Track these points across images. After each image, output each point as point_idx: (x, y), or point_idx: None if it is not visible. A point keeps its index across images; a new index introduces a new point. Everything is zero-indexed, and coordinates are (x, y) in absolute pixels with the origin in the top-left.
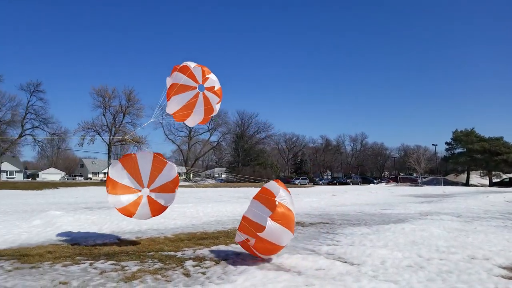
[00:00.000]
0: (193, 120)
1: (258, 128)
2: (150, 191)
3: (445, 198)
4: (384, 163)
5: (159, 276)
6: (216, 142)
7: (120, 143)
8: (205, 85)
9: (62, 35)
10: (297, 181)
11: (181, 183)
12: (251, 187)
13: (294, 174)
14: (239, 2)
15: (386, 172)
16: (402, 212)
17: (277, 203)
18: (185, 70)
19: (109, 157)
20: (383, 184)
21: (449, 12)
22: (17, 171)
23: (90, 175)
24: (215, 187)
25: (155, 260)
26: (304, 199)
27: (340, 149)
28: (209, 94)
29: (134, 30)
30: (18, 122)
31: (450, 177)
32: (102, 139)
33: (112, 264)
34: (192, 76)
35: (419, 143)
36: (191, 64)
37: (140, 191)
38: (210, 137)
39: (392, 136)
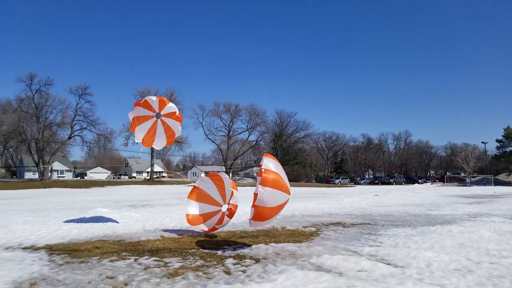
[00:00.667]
0: (159, 143)
1: (297, 127)
2: (228, 203)
3: (496, 198)
4: (430, 162)
5: (200, 273)
6: (255, 142)
7: None
8: (162, 113)
9: (109, 39)
10: (337, 181)
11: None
12: (290, 186)
13: (334, 173)
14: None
15: (432, 172)
16: (449, 213)
17: (263, 170)
18: (144, 103)
19: (152, 156)
20: (428, 184)
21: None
22: (66, 170)
23: (134, 174)
24: (253, 186)
25: (196, 257)
26: (345, 199)
27: (382, 148)
28: (167, 120)
29: (176, 31)
30: (68, 124)
31: (502, 177)
32: None
33: (155, 260)
34: (149, 107)
35: (467, 141)
36: (151, 98)
37: (220, 209)
38: (249, 136)
39: (438, 134)
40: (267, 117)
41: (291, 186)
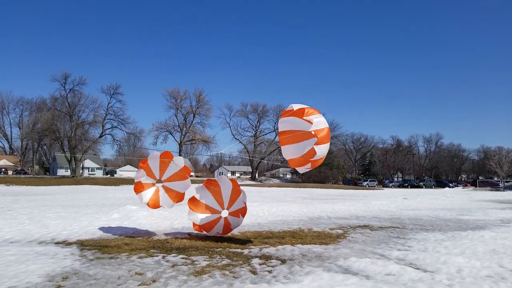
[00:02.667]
0: (166, 203)
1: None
2: (229, 214)
3: None
4: (461, 165)
5: (227, 272)
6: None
7: (190, 143)
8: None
9: (138, 39)
10: (365, 183)
11: (247, 182)
12: (317, 187)
13: (362, 175)
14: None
15: (463, 176)
16: (481, 218)
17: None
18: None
19: (180, 155)
20: (459, 188)
21: None
22: (97, 168)
23: None
24: (279, 187)
25: (223, 256)
26: (373, 202)
27: (412, 150)
28: (169, 184)
29: (206, 30)
30: (99, 123)
31: None
32: (174, 138)
33: (183, 258)
34: (150, 174)
35: (501, 144)
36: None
37: (220, 212)
38: (275, 137)
39: (471, 136)
40: None
41: (317, 188)
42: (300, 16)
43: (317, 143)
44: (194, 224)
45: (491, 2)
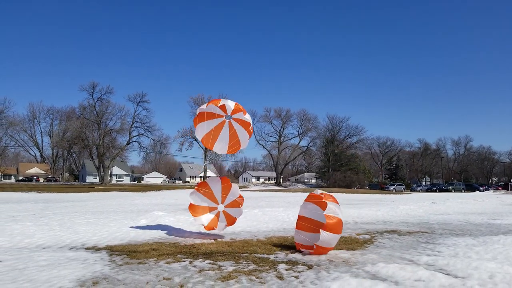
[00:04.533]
0: (219, 148)
1: (350, 132)
2: (225, 206)
3: None
4: (492, 168)
5: (253, 277)
6: (306, 147)
7: None
8: (233, 116)
9: (164, 47)
10: (391, 188)
11: (272, 187)
12: (342, 192)
13: (389, 180)
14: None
15: (494, 179)
16: None
17: (324, 216)
18: (218, 102)
19: (205, 161)
20: (490, 192)
21: None
22: (125, 175)
23: (188, 179)
24: (304, 192)
25: (249, 262)
26: (400, 207)
27: (440, 154)
28: (237, 126)
29: (229, 37)
30: (126, 130)
31: None
32: (199, 144)
33: (209, 263)
34: (223, 108)
35: None
36: (228, 102)
37: (216, 208)
38: (299, 142)
39: (502, 138)
40: (319, 122)
41: (343, 193)
42: (321, 21)
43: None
44: (190, 205)
45: None
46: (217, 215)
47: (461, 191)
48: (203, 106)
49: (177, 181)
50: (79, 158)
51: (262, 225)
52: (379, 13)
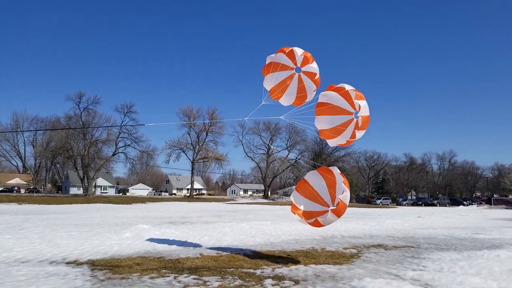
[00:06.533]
0: (287, 100)
1: (337, 146)
2: (336, 205)
3: None
4: (475, 183)
5: None
6: (294, 160)
7: (202, 160)
8: (303, 69)
9: (152, 59)
10: (378, 201)
11: (259, 200)
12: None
13: (375, 193)
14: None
15: (478, 193)
16: (497, 237)
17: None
18: (289, 53)
19: (192, 174)
20: (474, 206)
21: None
22: (109, 186)
23: (174, 191)
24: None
25: (235, 277)
26: (387, 221)
27: (425, 168)
28: (306, 79)
29: (217, 48)
30: (113, 141)
31: None
32: (187, 156)
33: (194, 279)
34: (292, 58)
35: None
36: (297, 50)
37: (327, 211)
38: (288, 154)
39: (485, 154)
40: (307, 136)
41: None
42: (309, 32)
43: (358, 128)
44: (292, 206)
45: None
46: (322, 212)
47: (446, 206)
48: (273, 55)
49: (163, 193)
50: (63, 169)
51: (249, 239)
52: (361, 19)
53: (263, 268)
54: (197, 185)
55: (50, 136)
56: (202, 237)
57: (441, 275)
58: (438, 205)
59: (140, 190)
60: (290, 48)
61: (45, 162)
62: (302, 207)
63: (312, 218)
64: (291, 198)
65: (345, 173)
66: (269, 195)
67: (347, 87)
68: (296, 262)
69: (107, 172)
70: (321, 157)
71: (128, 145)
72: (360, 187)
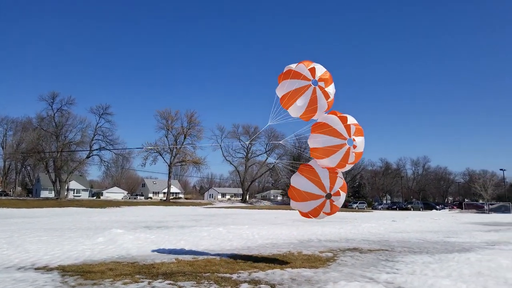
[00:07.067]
0: (295, 108)
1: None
2: (333, 194)
3: None
4: (448, 188)
5: None
6: (273, 164)
7: (180, 164)
8: (319, 84)
9: (131, 60)
10: (354, 205)
11: (237, 204)
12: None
13: (352, 198)
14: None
15: (450, 198)
16: (467, 240)
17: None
18: (309, 68)
19: (169, 177)
20: (446, 211)
21: None
22: (83, 190)
23: (150, 195)
24: (270, 209)
25: (211, 282)
26: (363, 225)
27: (400, 173)
28: (319, 93)
29: (196, 52)
30: (87, 143)
31: None
32: (164, 159)
33: (169, 284)
34: (312, 73)
35: (486, 168)
36: (319, 67)
37: (323, 196)
38: (267, 158)
39: (457, 160)
40: (286, 140)
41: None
42: (289, 35)
43: (349, 162)
44: (291, 187)
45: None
46: (323, 203)
47: (420, 210)
48: (293, 65)
49: (139, 197)
50: (34, 171)
51: (226, 243)
52: (333, 26)
53: (240, 273)
54: (174, 189)
55: (21, 137)
56: (178, 241)
57: (413, 278)
58: (412, 209)
59: (115, 193)
60: (313, 65)
61: (15, 164)
62: (300, 188)
63: (306, 201)
64: (291, 179)
65: None
66: (247, 199)
67: (350, 120)
68: (272, 266)
69: (80, 175)
70: (299, 161)
71: (103, 147)
72: None
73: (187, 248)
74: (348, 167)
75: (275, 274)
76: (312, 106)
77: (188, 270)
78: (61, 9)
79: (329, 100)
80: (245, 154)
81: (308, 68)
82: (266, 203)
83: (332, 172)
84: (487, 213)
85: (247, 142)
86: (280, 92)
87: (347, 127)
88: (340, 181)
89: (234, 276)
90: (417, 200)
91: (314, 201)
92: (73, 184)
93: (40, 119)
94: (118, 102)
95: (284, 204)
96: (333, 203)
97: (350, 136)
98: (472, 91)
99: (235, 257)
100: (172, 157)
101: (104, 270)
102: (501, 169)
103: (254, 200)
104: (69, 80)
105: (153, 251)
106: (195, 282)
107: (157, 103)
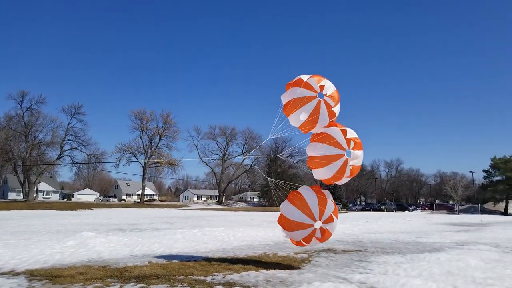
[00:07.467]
0: (296, 118)
1: (292, 152)
2: (323, 222)
3: (483, 227)
4: (420, 189)
5: None
6: (249, 166)
7: (155, 165)
8: (325, 98)
9: (105, 59)
10: None
11: (214, 206)
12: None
13: None
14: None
15: (422, 199)
16: (438, 241)
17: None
18: (320, 85)
19: (143, 179)
20: (418, 212)
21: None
22: (53, 191)
23: (124, 197)
24: (246, 210)
25: (185, 284)
26: (337, 225)
27: (374, 175)
28: (323, 107)
29: (171, 51)
30: (58, 144)
31: (488, 206)
32: (138, 160)
33: (142, 287)
34: (321, 87)
35: (456, 170)
36: (304, 77)
37: (313, 225)
38: (243, 160)
39: (429, 162)
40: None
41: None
42: (267, 36)
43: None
44: (281, 216)
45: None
46: (313, 232)
47: (393, 211)
48: (304, 76)
49: (111, 199)
50: (1, 172)
51: (201, 246)
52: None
53: (214, 275)
54: (148, 191)
55: None
56: (151, 244)
57: (385, 278)
58: (385, 211)
59: (86, 195)
60: (324, 82)
61: None
62: (290, 217)
63: (294, 230)
64: (281, 207)
65: (299, 179)
66: (224, 201)
67: (350, 133)
68: (247, 268)
69: (50, 177)
70: (276, 163)
71: (75, 148)
72: None
73: (160, 251)
74: (344, 180)
75: (250, 276)
76: (313, 116)
77: (162, 273)
78: (32, 8)
79: (332, 119)
80: (222, 156)
81: (319, 84)
82: (243, 204)
83: (321, 195)
84: (457, 214)
85: (244, 157)
86: (284, 98)
87: (347, 141)
88: (331, 205)
89: (209, 278)
90: (390, 201)
91: (304, 230)
92: (43, 186)
93: (8, 118)
94: (91, 102)
95: (261, 205)
96: (325, 229)
97: (349, 148)
98: (443, 94)
99: (209, 259)
100: (147, 159)
101: (74, 274)
102: (470, 171)
103: (230, 201)
104: (39, 80)
105: (126, 254)
106: (169, 285)
107: (132, 104)
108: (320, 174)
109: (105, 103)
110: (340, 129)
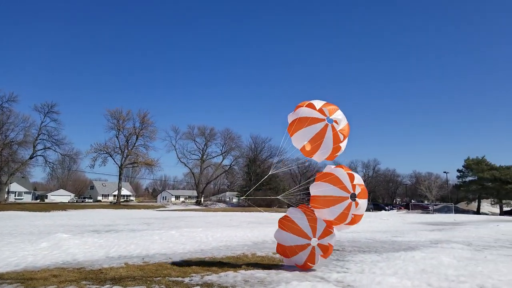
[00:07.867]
0: (321, 155)
1: (271, 153)
2: (318, 238)
3: (456, 226)
4: (396, 189)
5: None
6: (229, 166)
7: (132, 166)
8: (333, 117)
9: (81, 57)
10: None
11: (192, 206)
12: (262, 212)
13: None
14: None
15: (398, 199)
16: (413, 239)
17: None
18: (311, 106)
19: (120, 179)
20: (394, 211)
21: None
22: (25, 192)
23: (99, 197)
24: (225, 211)
25: (162, 286)
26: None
27: None
28: (337, 127)
29: (151, 52)
30: (30, 143)
31: (461, 205)
32: (114, 161)
33: None
34: (321, 112)
35: (431, 170)
36: (342, 118)
37: (310, 243)
38: (222, 160)
39: (404, 163)
40: (242, 142)
41: (264, 211)
42: (248, 36)
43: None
44: (278, 245)
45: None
46: (313, 249)
47: (370, 211)
48: (318, 103)
49: (87, 199)
50: None
51: (179, 247)
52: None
53: (192, 276)
54: (125, 192)
55: None
56: (128, 245)
57: (362, 276)
58: None
59: (60, 196)
60: (336, 115)
61: None
62: (285, 243)
63: (294, 255)
64: (275, 236)
65: (278, 179)
66: (202, 202)
67: (356, 179)
68: (226, 268)
69: (22, 177)
70: (255, 164)
71: (48, 147)
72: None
73: (137, 252)
74: (342, 227)
75: (228, 276)
76: (317, 141)
77: (138, 275)
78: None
79: (337, 153)
80: (200, 156)
81: (317, 109)
82: (222, 205)
83: (310, 213)
84: (431, 213)
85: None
86: (291, 117)
87: (353, 186)
88: (322, 223)
89: (186, 279)
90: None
91: (304, 251)
92: (14, 187)
93: None
94: (65, 101)
95: (240, 206)
96: (325, 244)
97: (354, 191)
98: (418, 95)
99: (187, 260)
100: (123, 159)
101: (47, 277)
102: (444, 172)
103: (209, 202)
104: (10, 79)
105: (101, 256)
106: (146, 287)
107: (108, 103)
108: (322, 214)
109: (79, 102)
110: (347, 173)
